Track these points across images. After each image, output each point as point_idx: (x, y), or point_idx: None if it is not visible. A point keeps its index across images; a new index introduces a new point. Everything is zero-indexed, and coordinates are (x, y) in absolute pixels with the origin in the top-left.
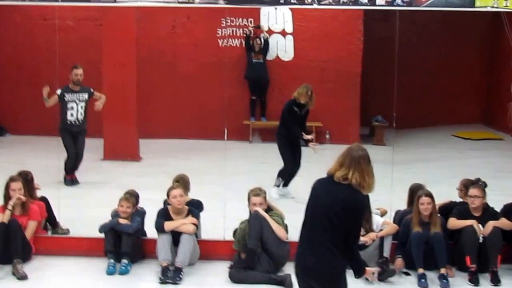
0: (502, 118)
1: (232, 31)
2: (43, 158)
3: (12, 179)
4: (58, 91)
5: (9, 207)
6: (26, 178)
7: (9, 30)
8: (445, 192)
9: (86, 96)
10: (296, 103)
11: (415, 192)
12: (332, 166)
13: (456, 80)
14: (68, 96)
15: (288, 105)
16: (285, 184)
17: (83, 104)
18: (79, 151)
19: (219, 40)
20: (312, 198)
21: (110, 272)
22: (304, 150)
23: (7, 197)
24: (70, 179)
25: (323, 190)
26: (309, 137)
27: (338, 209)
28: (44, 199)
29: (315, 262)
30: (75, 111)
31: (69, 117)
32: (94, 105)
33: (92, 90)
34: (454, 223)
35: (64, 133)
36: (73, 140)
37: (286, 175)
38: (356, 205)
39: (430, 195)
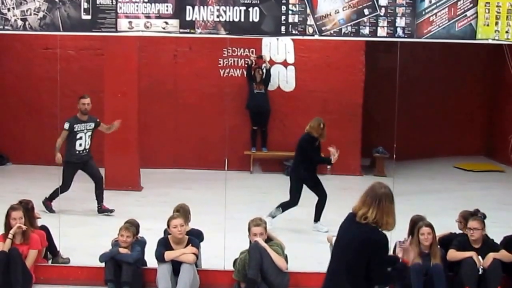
0: (504, 150)
1: (234, 61)
2: (44, 187)
3: (12, 208)
4: (66, 125)
5: (10, 235)
6: (26, 207)
7: (11, 59)
8: (446, 223)
9: (93, 125)
10: (311, 136)
11: (416, 223)
12: (356, 205)
13: (457, 112)
14: (77, 127)
15: (305, 138)
16: (317, 219)
17: (90, 133)
18: (96, 176)
19: (220, 70)
20: (338, 233)
21: None
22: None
23: (7, 226)
24: (51, 207)
25: (346, 228)
26: (333, 153)
27: (356, 248)
28: (44, 228)
29: None
30: (84, 141)
31: (77, 147)
32: (104, 128)
33: (98, 120)
34: (453, 254)
35: (69, 166)
36: (82, 169)
37: (287, 209)
38: (373, 245)
39: (430, 226)
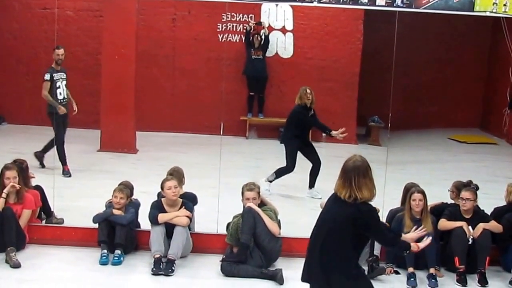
0: (498, 124)
1: (233, 26)
2: (40, 147)
3: (6, 168)
4: (47, 76)
5: (3, 195)
6: (21, 167)
7: (9, 19)
8: (438, 193)
9: (65, 75)
10: (302, 106)
11: (409, 190)
12: (336, 186)
13: (453, 84)
14: (56, 76)
15: (298, 109)
16: (312, 185)
17: (65, 82)
18: (58, 133)
19: (219, 35)
20: (321, 212)
21: (103, 263)
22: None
23: (1, 185)
24: (68, 171)
25: (328, 207)
26: (335, 132)
27: (342, 226)
28: (38, 188)
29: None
30: (62, 90)
31: (58, 96)
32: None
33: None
34: (444, 224)
35: (58, 117)
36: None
37: (282, 175)
38: (359, 219)
39: (422, 192)
